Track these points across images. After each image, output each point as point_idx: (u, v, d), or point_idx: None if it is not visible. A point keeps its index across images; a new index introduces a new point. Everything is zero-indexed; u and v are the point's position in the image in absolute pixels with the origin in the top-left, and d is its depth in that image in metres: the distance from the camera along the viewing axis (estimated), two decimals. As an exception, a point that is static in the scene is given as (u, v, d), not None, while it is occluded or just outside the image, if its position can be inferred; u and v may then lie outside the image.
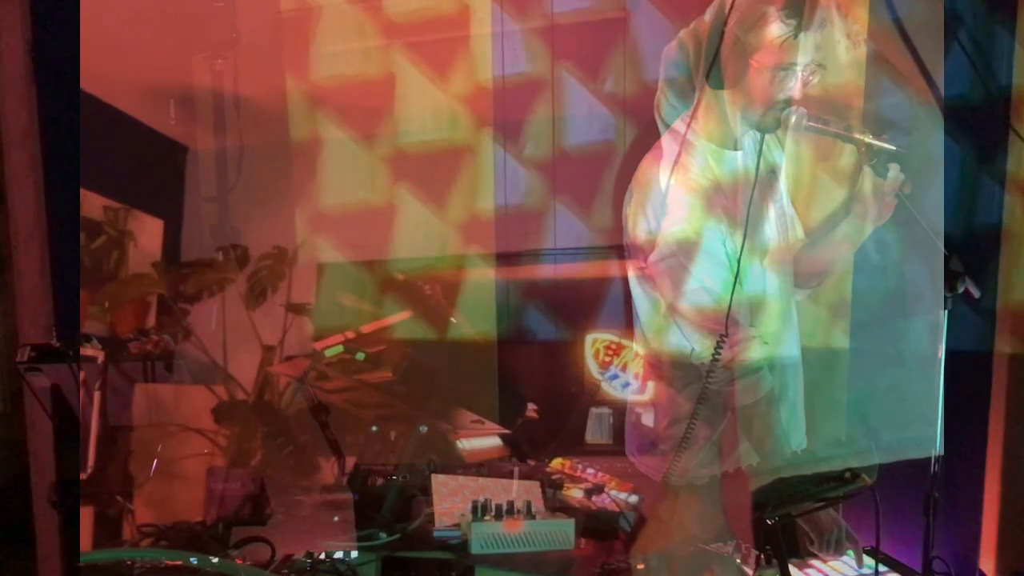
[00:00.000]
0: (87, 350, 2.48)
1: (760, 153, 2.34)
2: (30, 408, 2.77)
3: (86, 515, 2.86)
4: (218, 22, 3.52)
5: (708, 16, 2.32)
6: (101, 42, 2.86)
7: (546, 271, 3.42)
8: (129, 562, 2.03)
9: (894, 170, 2.24)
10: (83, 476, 2.66)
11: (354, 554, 2.23)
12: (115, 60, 3.06)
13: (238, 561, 2.20)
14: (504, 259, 3.39)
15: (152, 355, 3.32)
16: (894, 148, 2.23)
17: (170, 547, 2.36)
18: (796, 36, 2.21)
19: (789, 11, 2.20)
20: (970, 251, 2.55)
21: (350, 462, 2.80)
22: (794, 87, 2.25)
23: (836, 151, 2.46)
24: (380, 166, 3.49)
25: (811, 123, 2.25)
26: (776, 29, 2.21)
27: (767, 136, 2.37)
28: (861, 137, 2.24)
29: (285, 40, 3.48)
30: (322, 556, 2.21)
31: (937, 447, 2.27)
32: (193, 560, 2.11)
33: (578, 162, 3.40)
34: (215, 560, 2.12)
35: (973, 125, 2.71)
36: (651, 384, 2.61)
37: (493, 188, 3.39)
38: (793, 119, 2.24)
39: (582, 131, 3.41)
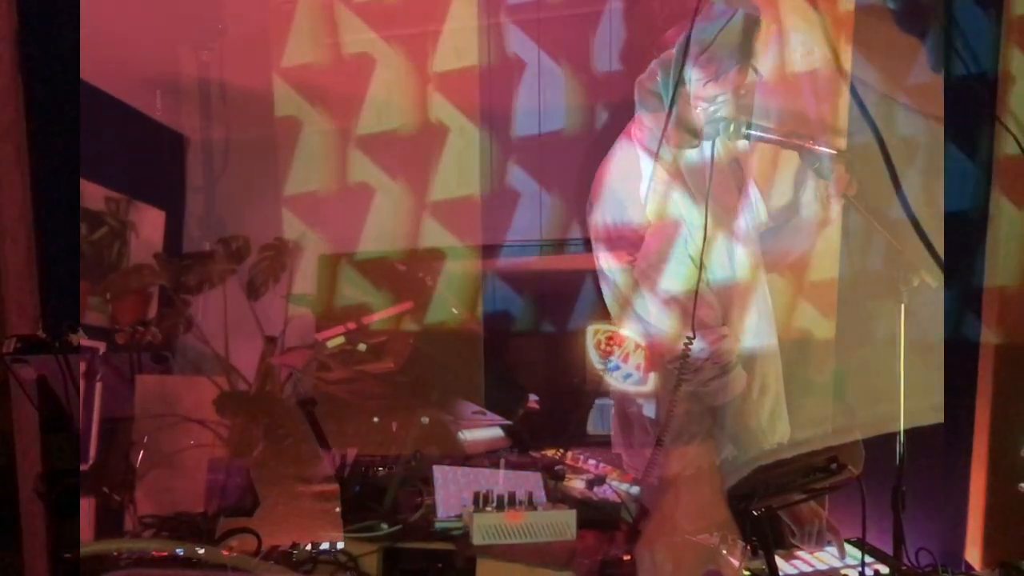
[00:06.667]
0: (76, 339, 2.46)
1: (714, 152, 2.38)
2: (16, 399, 2.76)
3: (88, 507, 2.86)
4: (206, 11, 3.53)
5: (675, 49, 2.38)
6: (99, 31, 2.86)
7: (539, 262, 3.41)
8: (117, 552, 2.01)
9: (838, 172, 2.25)
10: (84, 467, 2.67)
11: (339, 545, 2.20)
12: (112, 49, 3.05)
13: (224, 552, 2.18)
14: (493, 250, 3.40)
15: (152, 345, 3.31)
16: (834, 152, 2.27)
17: (171, 538, 2.34)
18: (716, 79, 2.29)
19: (707, 58, 2.28)
20: (956, 240, 2.55)
21: (351, 453, 2.79)
22: (725, 109, 2.32)
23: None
24: (366, 155, 3.48)
25: (752, 131, 2.30)
26: (695, 73, 2.30)
27: None
28: (800, 142, 2.27)
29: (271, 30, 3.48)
30: (307, 547, 2.18)
31: (901, 438, 2.27)
32: (179, 551, 2.09)
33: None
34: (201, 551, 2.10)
35: (957, 111, 2.70)
36: (652, 376, 2.62)
37: (486, 177, 3.40)
38: (731, 130, 2.29)
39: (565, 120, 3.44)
